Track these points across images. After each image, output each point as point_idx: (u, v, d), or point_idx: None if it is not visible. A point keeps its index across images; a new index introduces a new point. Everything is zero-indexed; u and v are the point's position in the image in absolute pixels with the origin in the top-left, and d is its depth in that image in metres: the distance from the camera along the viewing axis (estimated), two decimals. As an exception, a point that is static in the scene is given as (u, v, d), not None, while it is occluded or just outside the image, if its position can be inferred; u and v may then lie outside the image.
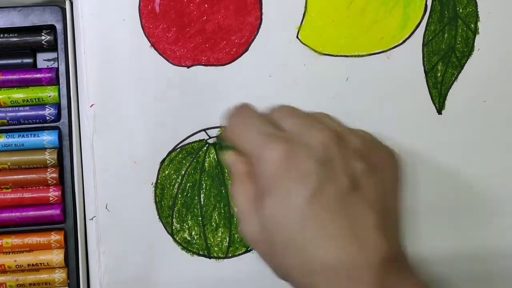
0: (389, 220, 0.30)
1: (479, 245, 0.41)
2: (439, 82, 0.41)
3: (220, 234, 0.40)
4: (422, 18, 0.40)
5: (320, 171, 0.28)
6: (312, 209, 0.27)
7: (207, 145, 0.40)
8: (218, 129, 0.40)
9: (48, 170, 0.40)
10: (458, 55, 0.41)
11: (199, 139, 0.40)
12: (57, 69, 0.41)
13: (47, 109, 0.40)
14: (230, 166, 0.33)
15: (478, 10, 0.40)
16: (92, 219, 0.40)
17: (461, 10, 0.40)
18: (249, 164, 0.31)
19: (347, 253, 0.27)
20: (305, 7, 0.40)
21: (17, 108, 0.40)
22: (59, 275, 0.40)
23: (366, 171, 0.29)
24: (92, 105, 0.40)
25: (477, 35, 0.41)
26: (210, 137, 0.40)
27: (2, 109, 0.40)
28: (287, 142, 0.29)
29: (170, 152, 0.40)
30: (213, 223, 0.40)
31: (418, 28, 0.40)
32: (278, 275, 0.31)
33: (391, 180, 0.32)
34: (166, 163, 0.40)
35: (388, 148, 0.33)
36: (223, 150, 0.36)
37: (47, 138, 0.40)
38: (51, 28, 0.41)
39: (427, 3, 0.40)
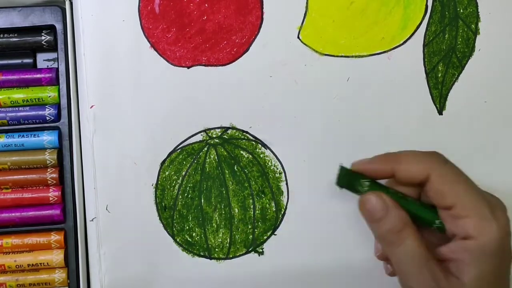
0: None
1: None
2: (440, 83, 0.40)
3: (221, 235, 0.40)
4: (423, 18, 0.40)
5: None
6: None
7: (207, 146, 0.40)
8: (219, 129, 0.40)
9: (48, 170, 0.40)
10: (458, 55, 0.41)
11: (200, 140, 0.40)
12: (57, 69, 0.41)
13: (47, 109, 0.40)
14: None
15: (479, 10, 0.40)
16: (92, 220, 0.40)
17: (461, 11, 0.40)
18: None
19: None
20: (306, 7, 0.40)
21: (17, 108, 0.40)
22: (59, 275, 0.40)
23: None
24: (92, 106, 0.40)
25: (477, 36, 0.40)
26: (210, 138, 0.40)
27: (2, 109, 0.40)
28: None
29: (170, 153, 0.40)
30: (213, 224, 0.40)
31: (419, 29, 0.40)
32: None
33: None
34: (166, 164, 0.40)
35: None
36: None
37: (47, 138, 0.40)
38: (51, 28, 0.41)
39: (428, 4, 0.40)
